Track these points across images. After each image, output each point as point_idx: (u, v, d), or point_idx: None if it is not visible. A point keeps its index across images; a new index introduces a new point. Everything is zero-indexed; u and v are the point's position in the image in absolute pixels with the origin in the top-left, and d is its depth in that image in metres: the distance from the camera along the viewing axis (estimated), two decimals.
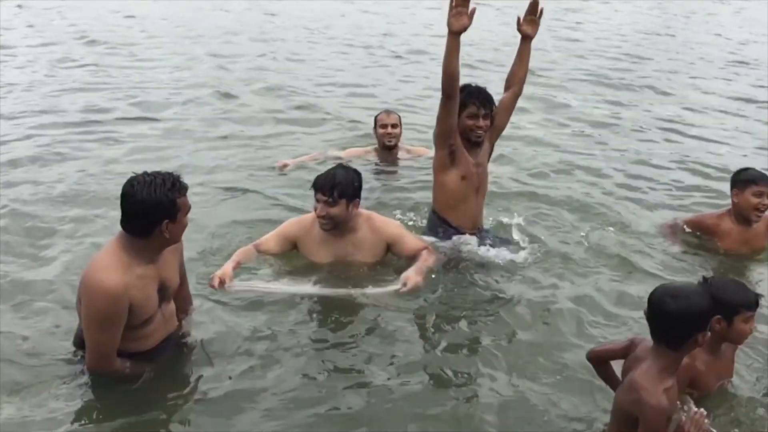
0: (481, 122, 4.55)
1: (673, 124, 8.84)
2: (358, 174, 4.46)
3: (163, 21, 14.82)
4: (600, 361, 3.27)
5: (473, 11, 4.20)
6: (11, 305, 4.16)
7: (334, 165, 4.61)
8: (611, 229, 5.44)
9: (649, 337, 3.04)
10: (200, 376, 3.59)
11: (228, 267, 4.31)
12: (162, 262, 3.38)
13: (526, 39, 4.69)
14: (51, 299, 4.23)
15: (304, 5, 17.23)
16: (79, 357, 3.53)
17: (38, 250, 4.89)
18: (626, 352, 3.11)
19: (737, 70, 12.78)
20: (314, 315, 4.18)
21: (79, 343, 3.48)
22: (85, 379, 3.45)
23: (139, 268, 3.25)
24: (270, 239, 4.60)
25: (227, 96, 9.18)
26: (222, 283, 4.16)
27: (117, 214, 5.00)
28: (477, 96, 4.54)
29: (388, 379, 3.64)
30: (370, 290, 4.31)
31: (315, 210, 4.37)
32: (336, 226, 4.40)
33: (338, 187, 4.28)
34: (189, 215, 3.42)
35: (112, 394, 3.40)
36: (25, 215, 5.40)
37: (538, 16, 4.61)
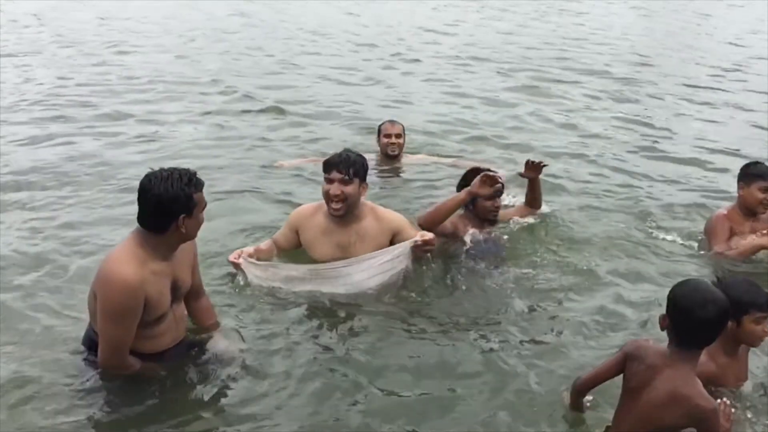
0: (498, 202, 4.83)
1: (672, 123, 8.91)
2: (365, 159, 4.49)
3: (146, 23, 14.78)
4: (590, 388, 3.22)
5: (497, 191, 4.61)
6: (16, 305, 4.12)
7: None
8: (619, 225, 5.47)
9: (642, 341, 3.10)
10: (208, 383, 3.54)
11: (249, 248, 4.41)
12: (176, 261, 3.40)
13: (532, 180, 5.01)
14: (58, 298, 4.17)
15: (291, 8, 17.24)
16: (87, 357, 3.49)
17: (41, 249, 4.84)
18: (622, 365, 3.04)
19: (737, 67, 12.92)
20: (321, 323, 4.12)
21: (89, 343, 3.46)
22: (93, 380, 3.42)
23: (154, 264, 3.26)
24: (279, 232, 4.61)
25: (216, 96, 9.18)
26: (239, 257, 4.28)
27: (115, 215, 5.19)
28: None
29: (388, 383, 3.64)
30: (384, 251, 4.26)
31: (327, 192, 4.29)
32: (348, 210, 4.32)
33: (354, 165, 4.28)
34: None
35: (119, 397, 3.36)
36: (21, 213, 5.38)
37: (541, 167, 4.88)
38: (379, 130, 6.52)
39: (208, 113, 8.45)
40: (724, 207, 5.23)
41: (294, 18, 16.16)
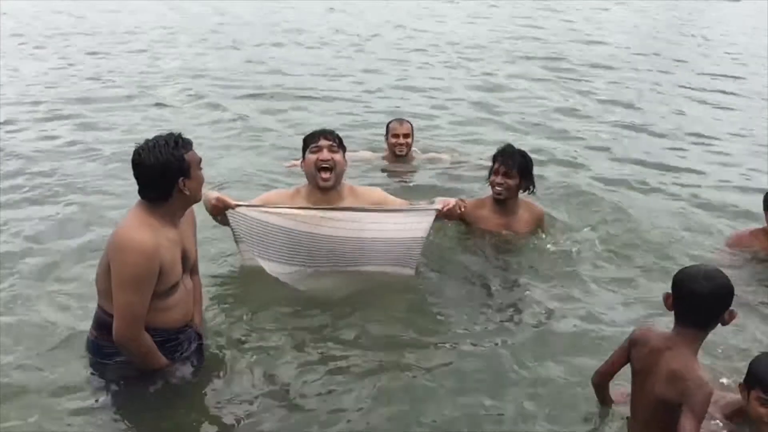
0: (500, 179, 4.71)
1: (674, 122, 8.80)
2: None
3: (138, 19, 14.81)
4: (607, 379, 3.23)
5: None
6: (21, 304, 4.08)
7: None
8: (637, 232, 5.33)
9: (648, 326, 3.17)
10: (209, 381, 3.52)
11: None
12: (182, 230, 3.39)
13: None
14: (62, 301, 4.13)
15: (272, 6, 17.20)
16: (90, 358, 3.44)
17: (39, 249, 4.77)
18: (628, 351, 3.08)
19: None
20: (324, 316, 4.05)
21: (92, 348, 3.40)
22: (98, 384, 3.38)
23: (165, 231, 3.25)
24: None
25: (209, 94, 9.18)
26: (224, 202, 4.07)
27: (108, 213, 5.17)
28: (501, 154, 4.77)
29: (388, 377, 3.58)
30: (401, 208, 4.20)
31: (315, 161, 4.17)
32: (335, 182, 4.22)
33: (338, 136, 4.28)
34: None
35: (124, 400, 3.33)
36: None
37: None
38: (388, 129, 6.45)
39: (205, 108, 8.47)
40: (749, 227, 5.01)
41: (277, 15, 16.21)
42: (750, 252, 4.82)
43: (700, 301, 2.82)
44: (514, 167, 4.73)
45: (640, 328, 3.15)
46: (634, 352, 3.04)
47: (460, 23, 16.32)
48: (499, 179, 4.73)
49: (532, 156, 4.97)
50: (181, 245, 3.33)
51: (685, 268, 2.98)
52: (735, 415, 3.15)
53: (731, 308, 2.86)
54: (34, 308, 4.03)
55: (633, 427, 3.13)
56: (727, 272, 4.41)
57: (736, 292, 3.82)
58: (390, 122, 6.52)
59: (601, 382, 3.25)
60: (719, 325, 2.90)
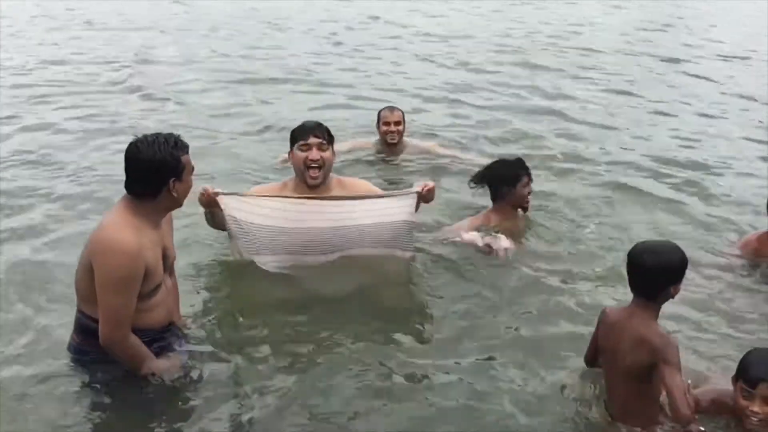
0: (529, 188, 4.94)
1: (668, 119, 8.64)
2: None
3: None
4: (596, 358, 3.32)
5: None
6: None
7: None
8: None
9: (609, 306, 3.36)
10: (197, 379, 3.46)
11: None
12: (162, 230, 3.35)
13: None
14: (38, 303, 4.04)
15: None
16: (74, 363, 3.38)
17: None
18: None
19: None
20: (316, 312, 4.01)
21: (75, 353, 3.35)
22: (83, 386, 3.33)
23: (148, 232, 3.20)
24: None
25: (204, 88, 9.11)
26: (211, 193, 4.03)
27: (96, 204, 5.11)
28: (524, 168, 4.91)
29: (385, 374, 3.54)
30: (383, 196, 4.23)
31: (304, 159, 4.15)
32: (324, 178, 4.20)
33: (327, 130, 4.23)
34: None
35: (111, 402, 3.29)
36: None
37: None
38: (379, 117, 6.40)
39: (184, 100, 8.43)
40: (758, 232, 4.88)
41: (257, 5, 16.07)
42: (758, 256, 4.76)
43: (643, 273, 3.00)
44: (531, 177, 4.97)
45: (605, 308, 3.28)
46: (600, 330, 3.19)
47: (442, 16, 16.23)
48: (530, 189, 4.92)
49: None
50: (162, 245, 3.30)
51: (639, 242, 3.16)
52: (722, 409, 3.14)
53: (678, 284, 3.01)
54: (9, 311, 3.96)
55: (611, 408, 3.18)
56: (734, 276, 4.62)
57: (744, 296, 3.94)
58: (381, 110, 6.46)
59: (593, 365, 3.37)
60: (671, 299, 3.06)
